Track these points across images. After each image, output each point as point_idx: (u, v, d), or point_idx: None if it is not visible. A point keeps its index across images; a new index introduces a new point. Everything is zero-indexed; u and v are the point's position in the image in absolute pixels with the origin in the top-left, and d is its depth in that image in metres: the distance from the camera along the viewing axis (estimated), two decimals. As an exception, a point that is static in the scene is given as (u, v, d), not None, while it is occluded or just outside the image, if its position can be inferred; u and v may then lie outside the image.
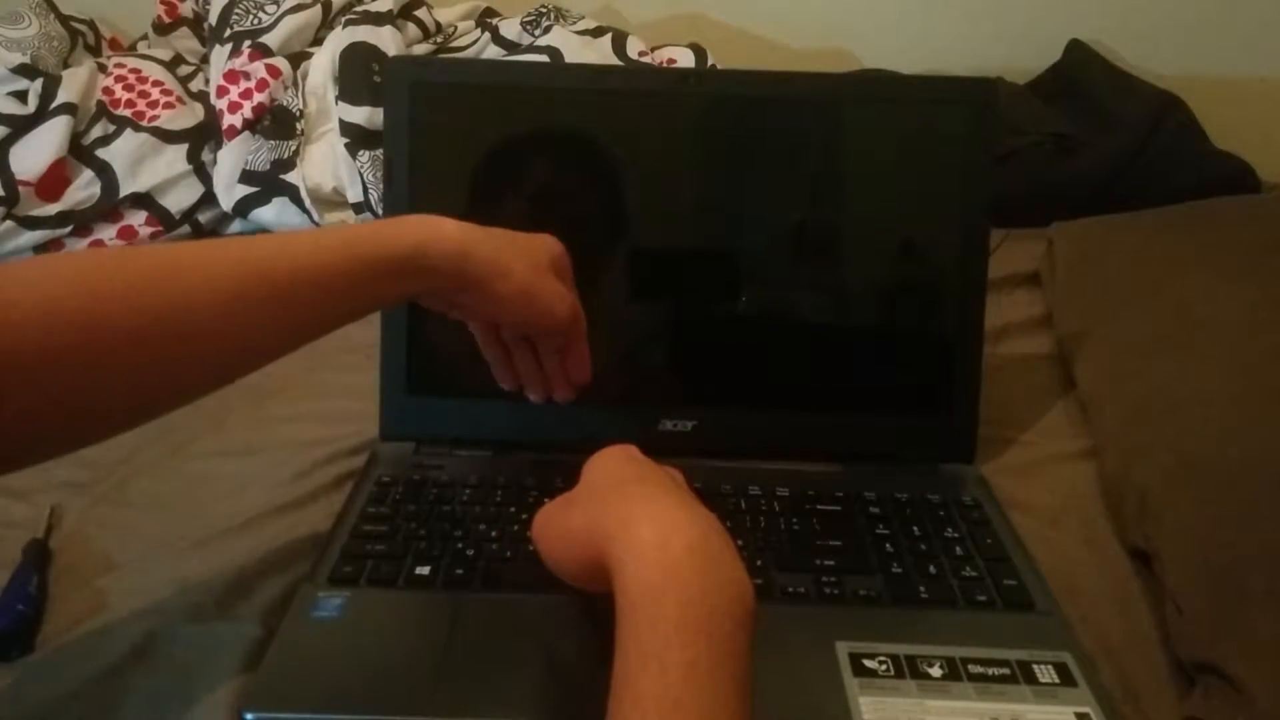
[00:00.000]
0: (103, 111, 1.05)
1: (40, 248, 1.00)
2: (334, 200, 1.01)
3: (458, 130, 0.69)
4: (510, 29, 1.13)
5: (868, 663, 0.50)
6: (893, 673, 0.50)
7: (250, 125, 1.02)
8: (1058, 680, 0.50)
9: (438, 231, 0.53)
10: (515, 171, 0.70)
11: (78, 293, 0.41)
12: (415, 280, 0.53)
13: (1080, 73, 1.24)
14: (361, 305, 0.52)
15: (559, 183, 0.71)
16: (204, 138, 1.06)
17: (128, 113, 1.05)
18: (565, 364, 0.63)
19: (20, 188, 0.98)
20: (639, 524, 0.42)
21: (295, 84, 1.04)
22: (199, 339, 0.45)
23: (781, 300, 0.70)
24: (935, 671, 0.50)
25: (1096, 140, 1.11)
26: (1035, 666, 0.50)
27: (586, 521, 0.46)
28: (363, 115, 1.00)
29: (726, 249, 0.70)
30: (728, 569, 0.41)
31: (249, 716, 0.48)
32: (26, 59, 1.05)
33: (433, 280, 0.53)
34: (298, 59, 1.06)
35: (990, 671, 0.50)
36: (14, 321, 0.39)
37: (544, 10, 1.14)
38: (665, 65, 1.12)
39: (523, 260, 0.56)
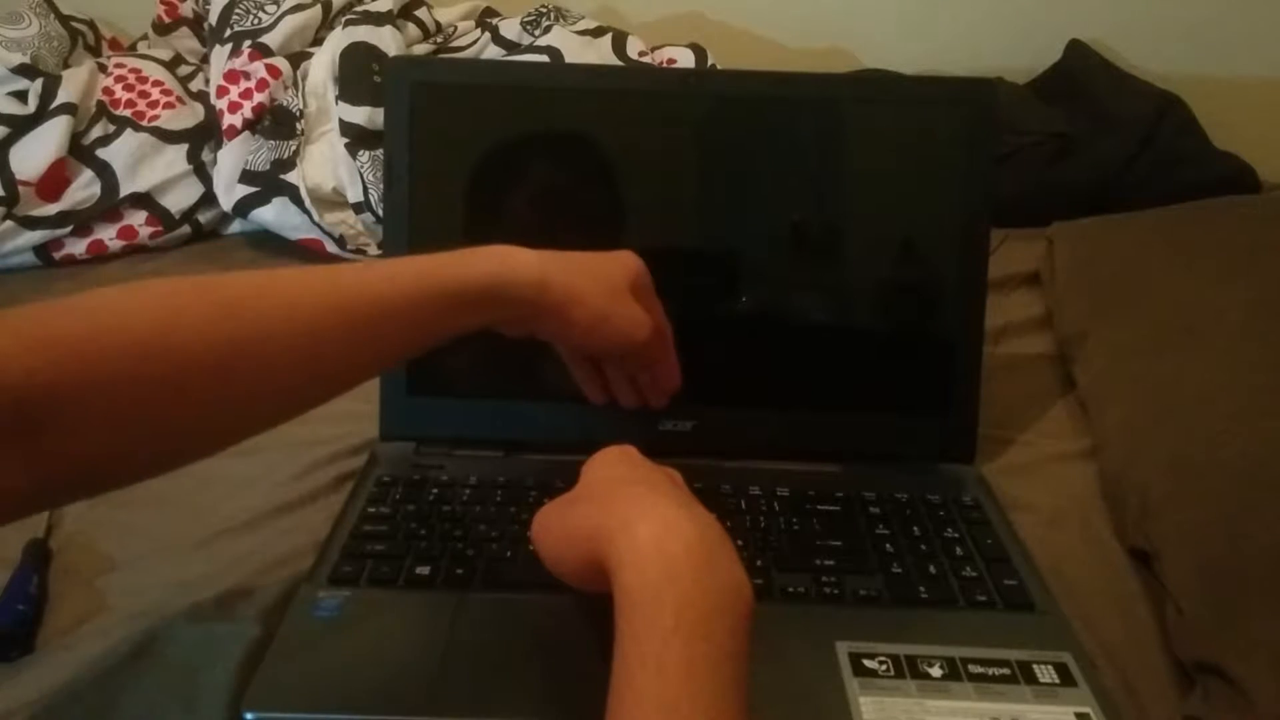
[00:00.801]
0: (103, 111, 1.05)
1: (40, 248, 1.00)
2: (334, 200, 1.01)
3: (458, 130, 0.69)
4: (510, 29, 1.13)
5: (868, 663, 0.50)
6: (893, 673, 0.50)
7: (250, 125, 1.02)
8: (1058, 680, 0.50)
9: (515, 262, 0.53)
10: (515, 171, 0.70)
11: (157, 320, 0.41)
12: (492, 311, 0.53)
13: (1080, 73, 1.24)
14: (437, 335, 0.52)
15: (559, 183, 0.71)
16: (204, 138, 1.06)
17: (128, 113, 1.05)
18: (655, 376, 0.64)
19: (20, 188, 0.98)
20: (637, 524, 0.42)
21: (295, 84, 1.04)
22: (276, 370, 0.45)
23: (781, 300, 0.70)
24: (935, 671, 0.50)
25: (1096, 140, 1.11)
26: (1035, 666, 0.50)
27: (585, 522, 0.46)
28: (363, 115, 1.00)
29: (726, 249, 0.70)
30: (726, 569, 0.41)
31: (249, 716, 0.48)
32: (26, 59, 1.05)
33: (509, 310, 0.54)
34: (298, 59, 1.06)
35: (990, 671, 0.50)
36: (91, 353, 0.39)
37: (544, 10, 1.14)
38: (665, 65, 1.12)
39: (599, 285, 0.56)
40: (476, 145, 0.69)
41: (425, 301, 0.50)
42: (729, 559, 0.42)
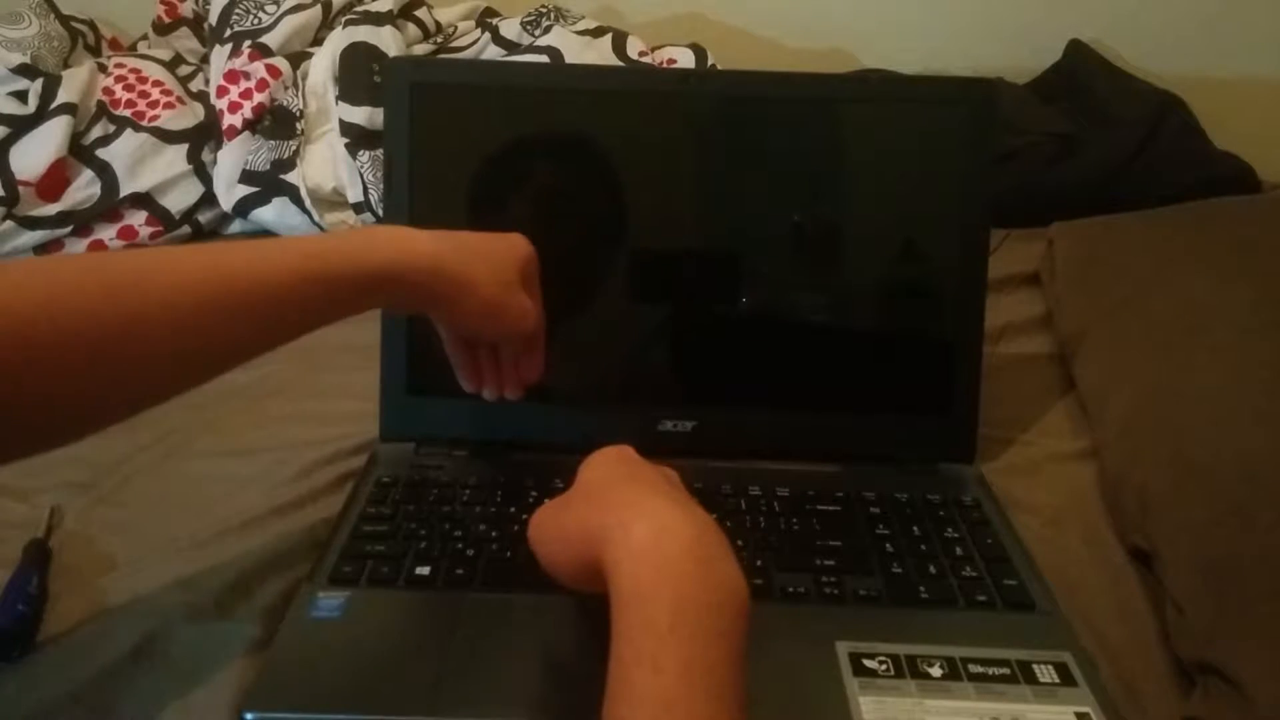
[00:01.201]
0: (103, 111, 1.05)
1: (40, 248, 1.00)
2: (334, 200, 1.01)
3: (458, 131, 0.69)
4: (510, 29, 1.13)
5: (868, 662, 0.50)
6: (893, 672, 0.50)
7: (250, 125, 1.02)
8: (1058, 680, 0.50)
9: (409, 247, 0.53)
10: (515, 172, 0.70)
11: (38, 301, 0.41)
12: (383, 295, 0.54)
13: (1080, 73, 1.24)
14: (330, 317, 0.52)
15: (559, 183, 0.71)
16: (204, 138, 1.06)
17: (128, 113, 1.05)
18: (520, 365, 0.64)
19: (20, 188, 0.98)
20: (633, 525, 0.42)
21: (295, 84, 1.04)
22: (158, 353, 0.45)
23: (781, 300, 0.70)
24: (935, 671, 0.50)
25: (1096, 140, 1.11)
26: (1035, 666, 0.50)
27: (582, 523, 0.45)
28: (363, 115, 1.00)
29: (726, 249, 0.70)
30: (722, 569, 0.41)
31: (249, 716, 0.48)
32: (26, 59, 1.05)
33: (401, 295, 0.54)
34: (298, 59, 1.06)
35: (990, 671, 0.50)
36: None
37: (544, 10, 1.14)
38: (665, 65, 1.12)
39: (492, 273, 0.56)
40: (476, 146, 0.69)
41: (315, 286, 0.49)
42: (725, 559, 0.42)
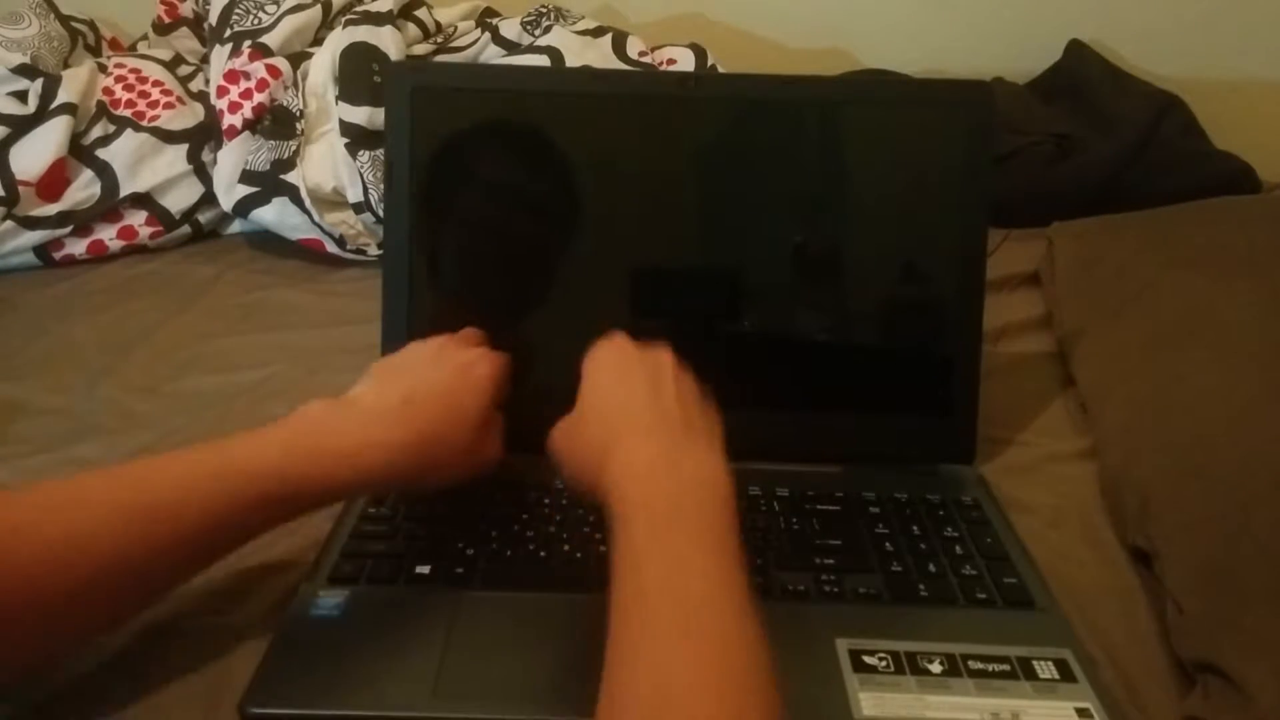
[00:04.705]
0: (103, 111, 1.05)
1: (40, 248, 1.00)
2: (334, 200, 1.01)
3: (459, 135, 0.70)
4: (510, 29, 1.13)
5: (867, 659, 0.51)
6: (892, 669, 0.50)
7: (250, 125, 1.02)
8: (1058, 676, 0.50)
9: (360, 464, 0.53)
10: (516, 175, 0.70)
11: None
12: (337, 500, 0.58)
13: (1080, 73, 1.24)
14: (275, 526, 0.53)
15: (559, 187, 0.71)
16: (204, 138, 1.06)
17: (128, 113, 1.05)
18: None
19: (20, 188, 0.98)
20: (614, 455, 0.49)
21: (295, 84, 1.04)
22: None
23: (781, 302, 0.70)
24: (935, 667, 0.50)
25: (1096, 140, 1.11)
26: (1035, 662, 0.50)
27: (588, 447, 0.52)
28: (363, 115, 1.00)
29: (726, 250, 0.70)
30: (691, 470, 0.48)
31: (249, 711, 0.48)
32: (26, 59, 1.05)
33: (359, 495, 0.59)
34: (298, 59, 1.06)
35: (990, 667, 0.50)
36: None
37: (544, 10, 1.14)
38: (665, 65, 1.12)
39: (454, 453, 0.57)
40: (477, 150, 0.70)
41: (256, 513, 0.50)
42: (694, 460, 0.48)
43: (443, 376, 0.58)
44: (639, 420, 0.51)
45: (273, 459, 0.50)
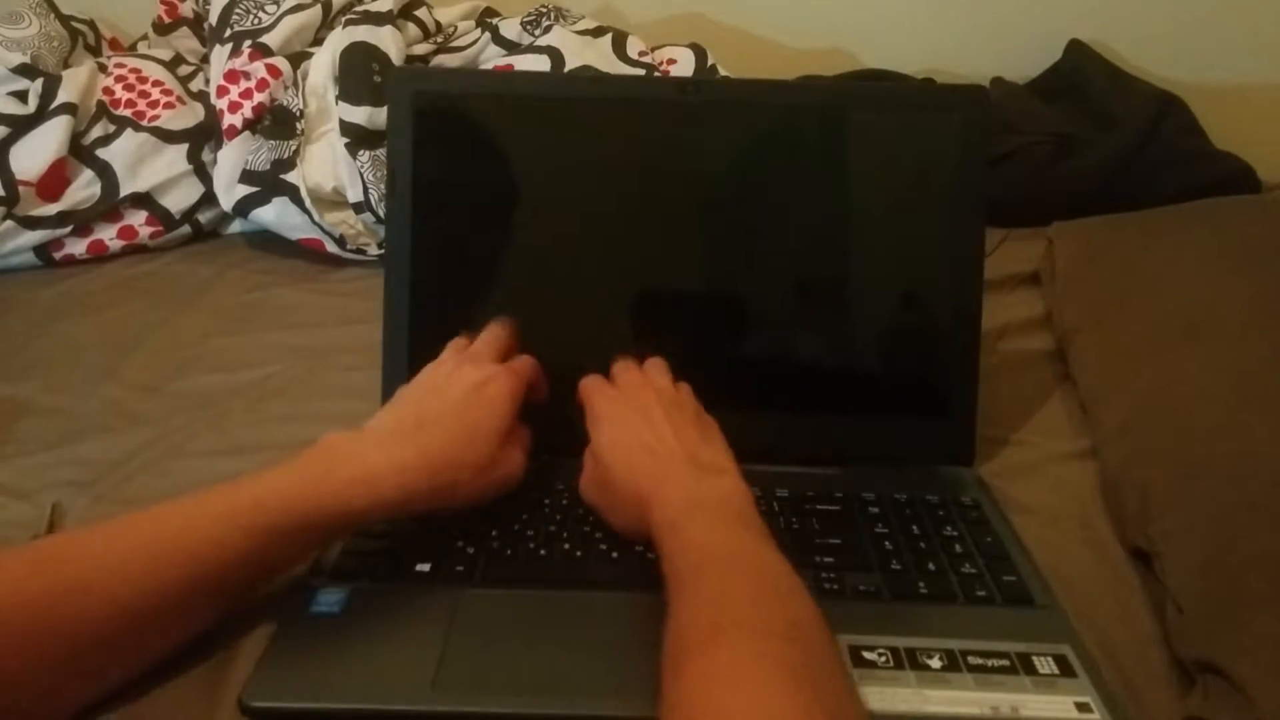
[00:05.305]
0: (103, 111, 1.05)
1: (40, 248, 1.00)
2: (334, 200, 1.01)
3: (460, 139, 0.70)
4: (510, 29, 1.13)
5: (867, 654, 0.51)
6: (892, 664, 0.50)
7: (250, 125, 1.02)
8: (1057, 671, 0.50)
9: (372, 494, 0.53)
10: (517, 180, 0.70)
11: None
12: (355, 529, 0.57)
13: (1080, 73, 1.24)
14: (306, 557, 0.56)
15: (561, 191, 0.71)
16: (204, 138, 1.06)
17: (128, 113, 1.05)
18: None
19: (20, 188, 0.98)
20: (654, 509, 0.53)
21: (295, 84, 1.04)
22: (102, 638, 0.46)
23: (780, 303, 0.70)
24: (934, 663, 0.50)
25: (1096, 140, 1.11)
26: (1035, 658, 0.51)
27: (625, 504, 0.56)
28: (363, 115, 1.00)
29: (725, 253, 0.70)
30: (711, 486, 0.53)
31: (250, 708, 0.48)
32: (26, 59, 1.05)
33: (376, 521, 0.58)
34: (298, 59, 1.06)
35: (990, 663, 0.50)
36: None
37: (544, 10, 1.14)
38: (665, 65, 1.12)
39: (471, 473, 0.57)
40: (478, 155, 0.70)
41: (280, 542, 0.51)
42: (711, 482, 0.54)
43: (455, 396, 0.58)
44: (664, 471, 0.55)
45: (281, 491, 0.51)
